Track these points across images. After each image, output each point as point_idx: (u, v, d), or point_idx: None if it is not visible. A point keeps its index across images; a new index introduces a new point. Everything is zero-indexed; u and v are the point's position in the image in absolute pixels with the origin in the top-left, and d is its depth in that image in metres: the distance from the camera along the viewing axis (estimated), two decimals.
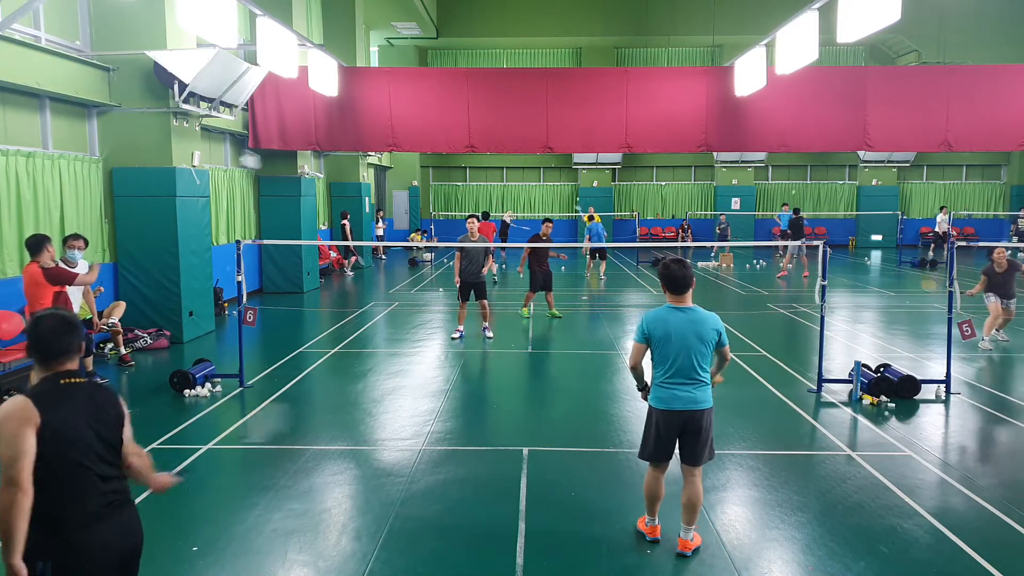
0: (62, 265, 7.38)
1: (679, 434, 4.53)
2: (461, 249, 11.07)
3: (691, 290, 4.56)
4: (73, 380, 2.94)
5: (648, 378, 4.71)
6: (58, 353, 2.93)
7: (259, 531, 4.94)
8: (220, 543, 4.77)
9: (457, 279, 11.20)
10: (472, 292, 11.13)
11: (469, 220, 11.25)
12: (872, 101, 13.64)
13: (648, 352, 4.60)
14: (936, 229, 26.12)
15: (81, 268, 8.17)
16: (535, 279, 12.89)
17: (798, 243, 16.51)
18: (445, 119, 14.10)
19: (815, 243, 8.41)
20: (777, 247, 24.87)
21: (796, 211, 20.60)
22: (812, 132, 13.98)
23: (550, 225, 13.59)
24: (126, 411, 3.14)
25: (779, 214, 23.65)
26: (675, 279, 4.51)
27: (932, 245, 26.15)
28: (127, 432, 3.11)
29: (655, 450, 4.61)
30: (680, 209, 30.83)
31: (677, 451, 4.65)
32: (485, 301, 11.29)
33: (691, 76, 14.82)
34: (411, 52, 29.12)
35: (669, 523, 4.91)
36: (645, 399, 4.74)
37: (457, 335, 11.06)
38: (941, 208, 26.90)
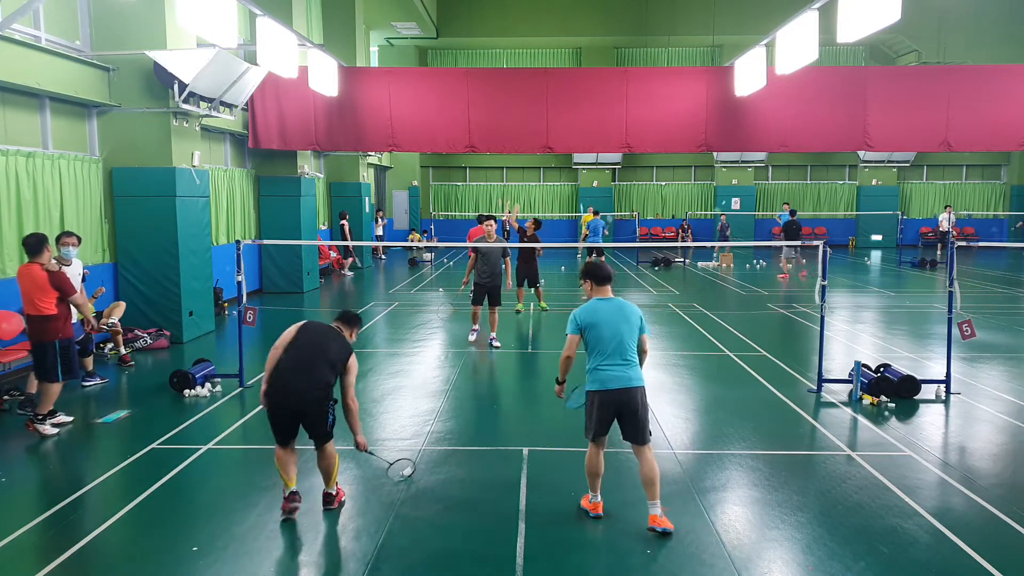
0: (64, 270, 7.31)
1: (617, 414, 4.94)
2: (476, 250, 10.60)
3: (611, 284, 5.13)
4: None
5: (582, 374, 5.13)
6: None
7: (259, 531, 4.94)
8: (220, 543, 4.77)
9: (466, 279, 10.84)
10: (487, 296, 10.69)
11: (487, 222, 10.80)
12: (872, 101, 13.63)
13: (583, 342, 5.03)
14: (943, 227, 25.97)
15: (76, 266, 8.17)
16: (520, 274, 13.10)
17: (788, 244, 16.54)
18: (445, 119, 14.10)
19: (815, 243, 8.40)
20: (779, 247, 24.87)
21: (792, 212, 20.57)
22: (812, 132, 13.98)
23: (533, 224, 13.57)
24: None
25: (780, 214, 23.65)
26: (601, 273, 5.08)
27: (939, 245, 26.11)
28: (347, 376, 5.26)
29: (596, 429, 4.99)
30: (680, 209, 30.83)
31: (623, 437, 5.04)
32: (497, 308, 10.76)
33: (691, 76, 14.81)
34: (411, 52, 29.12)
35: (673, 522, 4.93)
36: (559, 392, 5.31)
37: (473, 335, 10.77)
38: (945, 207, 26.89)
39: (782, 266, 19.55)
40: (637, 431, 4.92)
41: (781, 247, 20.14)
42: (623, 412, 4.92)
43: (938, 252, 25.11)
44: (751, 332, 11.65)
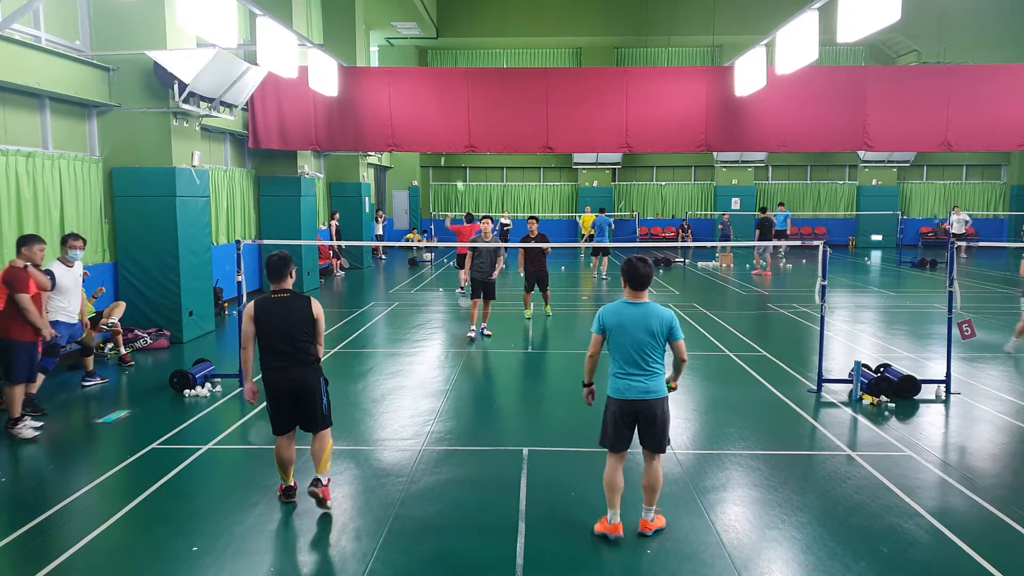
0: (31, 269, 7.11)
1: (635, 423, 4.77)
2: (473, 248, 11.29)
3: (647, 288, 4.81)
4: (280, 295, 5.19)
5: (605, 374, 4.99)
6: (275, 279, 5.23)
7: (259, 531, 4.94)
8: (220, 543, 4.77)
9: (465, 276, 11.47)
10: (482, 291, 11.28)
11: (483, 220, 11.64)
12: (872, 101, 13.63)
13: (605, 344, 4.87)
14: (955, 230, 25.78)
15: (77, 269, 8.16)
16: (528, 278, 13.01)
17: (763, 243, 16.62)
18: (445, 119, 14.10)
19: (815, 243, 8.40)
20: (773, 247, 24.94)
21: (763, 209, 20.55)
22: (812, 132, 13.98)
23: (535, 222, 13.39)
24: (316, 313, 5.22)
25: (775, 213, 23.63)
26: (638, 276, 4.76)
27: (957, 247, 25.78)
28: (318, 326, 5.25)
29: (613, 439, 4.81)
30: (680, 209, 30.84)
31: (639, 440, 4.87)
32: (491, 302, 11.50)
33: (691, 76, 14.81)
34: (411, 52, 29.12)
35: (673, 522, 4.92)
36: (587, 399, 5.05)
37: (472, 333, 11.18)
38: (953, 208, 26.81)
39: (776, 263, 19.74)
40: (654, 441, 4.78)
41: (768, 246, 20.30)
42: (641, 422, 4.76)
43: (963, 252, 24.84)
44: (751, 332, 11.65)
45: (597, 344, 4.87)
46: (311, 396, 5.18)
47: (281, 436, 5.26)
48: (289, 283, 5.24)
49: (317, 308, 5.21)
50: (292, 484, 5.40)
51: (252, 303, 5.17)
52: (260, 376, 5.22)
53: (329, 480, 5.27)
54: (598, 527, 4.86)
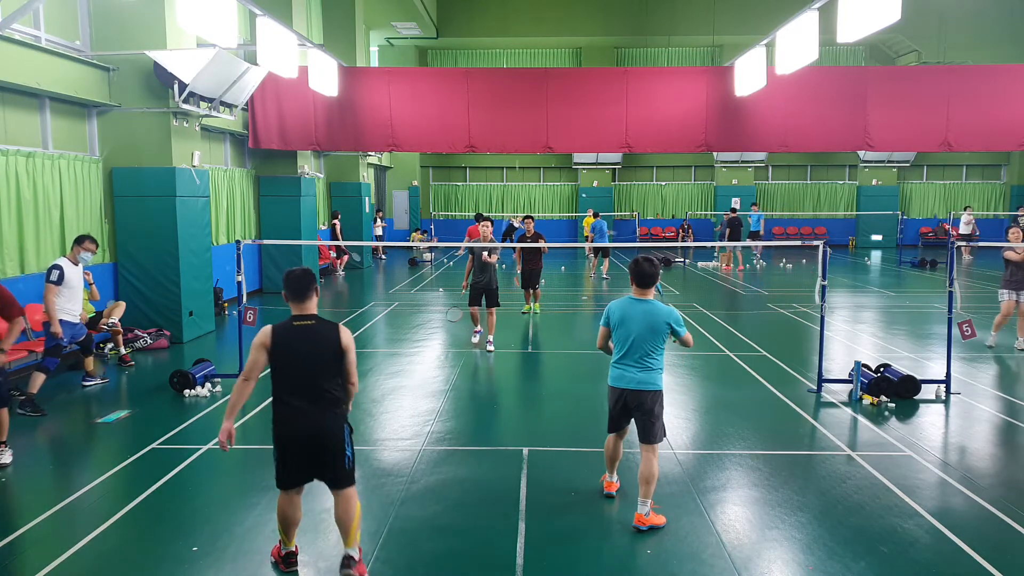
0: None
1: (629, 410, 5.10)
2: (471, 252, 10.66)
3: (654, 287, 5.09)
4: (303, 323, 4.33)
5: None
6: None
7: (259, 531, 4.94)
8: (220, 543, 4.77)
9: (465, 283, 10.79)
10: (483, 297, 10.56)
11: (483, 225, 10.78)
12: (872, 101, 13.64)
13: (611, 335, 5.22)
14: (963, 229, 25.66)
15: (80, 268, 8.17)
16: (524, 276, 13.13)
17: (733, 243, 16.74)
18: (445, 119, 14.10)
19: (815, 243, 8.40)
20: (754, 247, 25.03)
21: (733, 209, 20.66)
22: (812, 132, 13.98)
23: (531, 221, 13.40)
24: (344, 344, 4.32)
25: (750, 214, 23.64)
26: (643, 275, 5.05)
27: (967, 247, 25.69)
28: (347, 359, 4.31)
29: (611, 421, 5.28)
30: (680, 209, 30.84)
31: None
32: (494, 309, 10.58)
33: (691, 76, 14.81)
34: (411, 52, 29.12)
35: (673, 522, 4.92)
36: None
37: (476, 337, 10.73)
38: (965, 208, 26.75)
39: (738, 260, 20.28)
40: (645, 431, 5.05)
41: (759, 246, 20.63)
42: (633, 411, 5.07)
43: (967, 254, 24.76)
44: (751, 332, 11.64)
45: (603, 337, 5.25)
46: (333, 447, 4.24)
47: (288, 491, 4.36)
48: (313, 305, 4.40)
49: (346, 337, 4.30)
50: (293, 549, 4.47)
51: (268, 329, 4.31)
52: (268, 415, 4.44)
53: (361, 552, 4.38)
54: (603, 478, 5.55)
